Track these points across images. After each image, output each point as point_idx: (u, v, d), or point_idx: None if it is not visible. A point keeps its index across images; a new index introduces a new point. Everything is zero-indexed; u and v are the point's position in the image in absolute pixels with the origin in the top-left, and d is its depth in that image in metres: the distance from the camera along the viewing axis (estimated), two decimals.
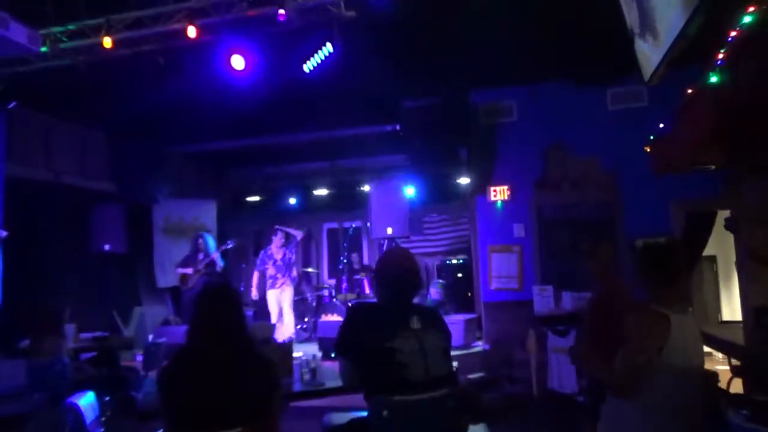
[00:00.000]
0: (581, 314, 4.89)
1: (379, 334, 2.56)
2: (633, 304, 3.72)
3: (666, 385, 2.31)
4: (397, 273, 2.76)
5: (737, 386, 3.93)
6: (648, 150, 5.04)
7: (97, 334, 6.16)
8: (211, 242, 8.55)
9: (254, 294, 8.75)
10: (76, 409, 3.31)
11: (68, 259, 7.95)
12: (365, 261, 10.45)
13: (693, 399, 2.36)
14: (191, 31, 4.70)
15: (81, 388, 4.32)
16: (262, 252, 8.75)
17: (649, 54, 3.47)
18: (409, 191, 8.75)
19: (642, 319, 2.42)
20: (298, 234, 8.88)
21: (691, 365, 2.37)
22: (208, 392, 2.19)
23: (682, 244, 2.68)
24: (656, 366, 2.30)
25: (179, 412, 2.21)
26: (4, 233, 6.49)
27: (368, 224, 8.90)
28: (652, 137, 4.95)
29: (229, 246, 8.70)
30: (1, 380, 5.28)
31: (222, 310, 2.35)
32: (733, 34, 3.13)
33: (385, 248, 8.44)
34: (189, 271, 8.29)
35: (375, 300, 2.89)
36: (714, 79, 3.06)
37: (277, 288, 8.36)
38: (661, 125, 4.68)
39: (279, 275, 8.39)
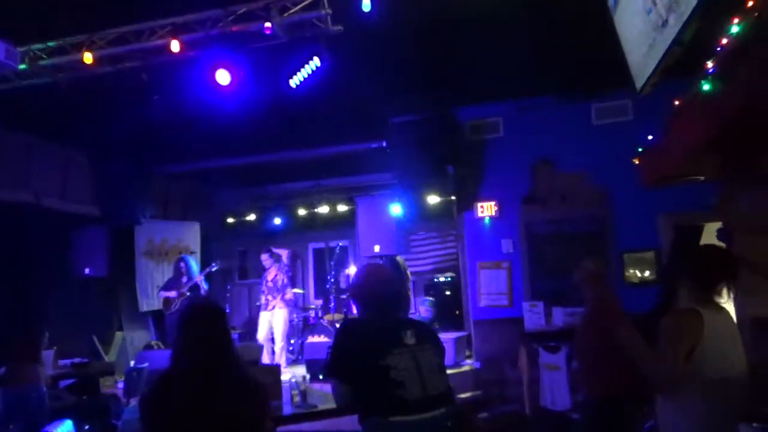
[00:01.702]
0: (574, 330, 4.82)
1: (373, 351, 2.45)
2: (625, 316, 3.67)
3: (704, 384, 2.30)
4: (379, 288, 2.68)
5: None
6: (637, 162, 5.02)
7: (77, 360, 5.94)
8: (194, 265, 8.38)
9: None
10: None
11: (48, 283, 7.75)
12: None
13: (733, 401, 2.36)
14: (174, 45, 4.61)
15: (59, 416, 4.14)
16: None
17: (642, 63, 3.45)
18: (396, 209, 8.67)
19: (674, 317, 2.45)
20: (283, 252, 8.72)
21: (730, 364, 2.38)
22: (193, 418, 2.06)
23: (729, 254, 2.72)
24: (693, 364, 2.30)
25: None
26: None
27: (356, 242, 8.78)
28: (640, 149, 4.93)
29: (214, 268, 8.52)
30: None
31: (207, 330, 2.22)
32: (723, 42, 3.13)
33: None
34: (172, 294, 8.10)
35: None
36: (707, 87, 3.04)
37: (269, 310, 8.20)
38: (650, 137, 4.66)
39: (270, 297, 8.25)
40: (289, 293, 8.37)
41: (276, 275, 8.32)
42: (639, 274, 7.24)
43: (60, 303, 7.76)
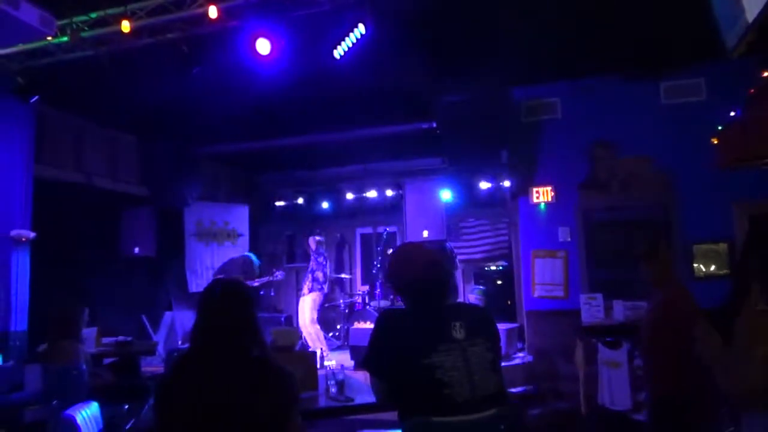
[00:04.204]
0: (637, 325, 4.43)
1: (415, 347, 2.15)
2: (700, 312, 3.28)
3: None
4: (418, 272, 2.32)
5: None
6: (715, 142, 4.53)
7: (120, 338, 5.92)
8: (256, 267, 8.62)
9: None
10: (71, 423, 3.03)
11: (98, 262, 7.81)
12: None
13: None
14: (212, 11, 4.42)
15: (96, 395, 4.07)
16: None
17: (736, 15, 2.98)
18: (445, 195, 8.35)
19: (747, 321, 2.14)
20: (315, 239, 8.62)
21: None
22: (208, 408, 1.84)
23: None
24: None
25: (174, 430, 1.86)
26: (32, 234, 6.35)
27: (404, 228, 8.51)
28: (720, 127, 4.45)
29: (277, 278, 8.59)
30: (27, 385, 5.12)
31: (228, 311, 2.00)
32: None
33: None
34: None
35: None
36: None
37: (302, 296, 8.21)
38: (732, 113, 4.18)
39: (304, 282, 8.24)
40: (321, 278, 8.16)
41: (312, 260, 8.27)
42: (709, 268, 6.69)
43: (109, 282, 7.82)
